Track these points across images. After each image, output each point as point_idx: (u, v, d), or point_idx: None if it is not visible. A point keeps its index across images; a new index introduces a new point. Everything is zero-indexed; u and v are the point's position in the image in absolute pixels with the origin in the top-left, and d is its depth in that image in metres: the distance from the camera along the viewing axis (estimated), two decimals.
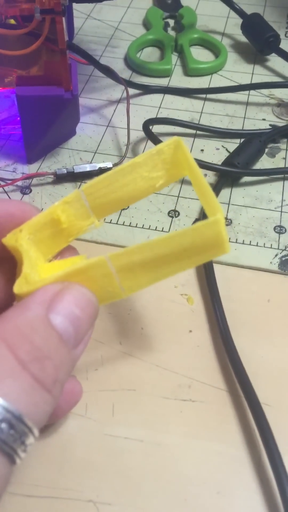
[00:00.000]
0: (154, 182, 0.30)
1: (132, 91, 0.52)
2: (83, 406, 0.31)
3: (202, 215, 0.41)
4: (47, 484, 0.28)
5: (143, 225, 0.41)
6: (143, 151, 0.46)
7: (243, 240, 0.40)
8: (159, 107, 0.51)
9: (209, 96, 0.52)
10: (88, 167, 0.43)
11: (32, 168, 0.45)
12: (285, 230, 0.40)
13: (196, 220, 0.41)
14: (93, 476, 0.29)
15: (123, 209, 0.42)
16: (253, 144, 0.45)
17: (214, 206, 0.25)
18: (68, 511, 0.28)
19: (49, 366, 0.22)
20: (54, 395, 0.22)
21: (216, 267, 0.38)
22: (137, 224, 0.41)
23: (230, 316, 0.35)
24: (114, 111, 0.51)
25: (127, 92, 0.48)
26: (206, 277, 0.37)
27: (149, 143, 0.47)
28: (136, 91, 0.52)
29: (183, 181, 0.44)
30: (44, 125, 0.43)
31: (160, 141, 0.43)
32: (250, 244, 0.39)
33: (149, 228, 0.41)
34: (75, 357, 0.24)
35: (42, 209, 0.42)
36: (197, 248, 0.25)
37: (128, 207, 0.42)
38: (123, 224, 0.41)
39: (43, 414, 0.21)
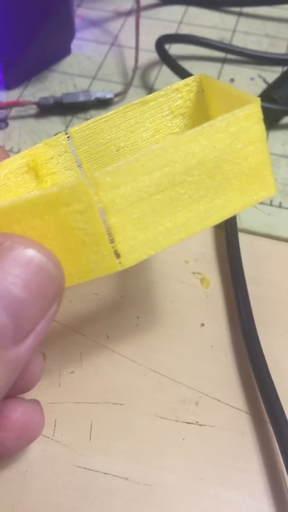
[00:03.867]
0: None
1: (146, 0, 0.41)
2: (50, 424, 0.23)
3: None
4: None
5: None
6: (155, 79, 0.36)
7: (280, 203, 0.30)
8: (180, 23, 0.40)
9: (245, 10, 0.41)
10: (81, 96, 0.33)
11: (11, 95, 0.35)
12: None
13: None
14: None
15: None
16: None
17: (243, 101, 0.17)
18: None
19: None
20: None
21: (242, 237, 0.28)
22: None
23: (257, 307, 0.26)
24: (122, 26, 0.40)
25: (138, 0, 0.37)
26: (228, 251, 0.27)
27: (164, 68, 0.36)
28: (151, 1, 0.41)
29: None
30: (25, 36, 0.33)
31: (179, 66, 0.33)
32: None
33: None
34: (16, 358, 0.15)
35: (12, 149, 0.33)
36: (226, 172, 0.16)
37: None
38: None
39: None
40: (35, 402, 0.21)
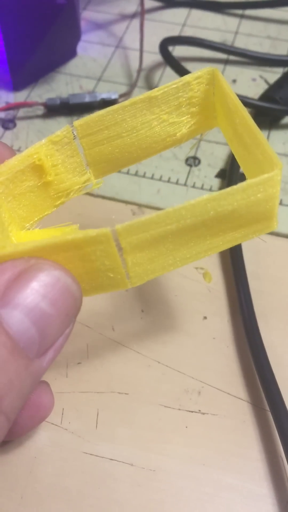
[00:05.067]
0: (175, 130, 0.22)
1: (150, 3, 0.42)
2: (58, 413, 0.24)
3: (230, 164, 0.32)
4: None
5: (152, 175, 0.32)
6: (159, 81, 0.37)
7: (281, 200, 0.31)
8: (183, 25, 0.41)
9: (247, 12, 0.42)
10: (87, 97, 0.34)
11: (18, 97, 0.36)
12: None
13: (222, 170, 0.32)
14: (64, 509, 0.22)
15: None
16: None
17: (268, 157, 0.18)
18: None
19: None
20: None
21: None
22: (145, 173, 0.32)
23: (258, 301, 0.27)
24: (127, 28, 0.41)
25: (143, 3, 0.38)
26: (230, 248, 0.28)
27: (168, 70, 0.37)
28: (156, 4, 0.42)
29: None
30: (33, 39, 0.34)
31: (182, 68, 0.34)
32: None
33: (160, 179, 0.32)
34: (39, 370, 0.17)
35: (20, 148, 0.34)
36: (238, 220, 0.18)
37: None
38: (127, 173, 0.32)
39: None
40: (45, 383, 0.22)
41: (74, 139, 0.21)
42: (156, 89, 0.21)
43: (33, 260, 0.17)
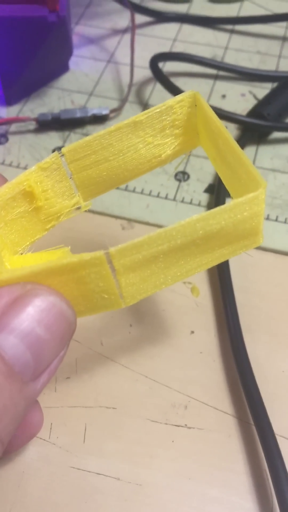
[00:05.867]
0: (160, 152, 0.23)
1: (141, 18, 0.42)
2: (47, 427, 0.24)
3: (218, 180, 0.32)
4: None
5: (142, 190, 0.32)
6: (150, 95, 0.38)
7: (268, 215, 0.31)
8: (174, 40, 0.41)
9: (237, 27, 0.42)
10: (78, 113, 0.35)
11: (11, 111, 0.37)
12: None
13: (210, 185, 0.33)
14: None
15: None
16: None
17: (253, 177, 0.18)
18: None
19: None
20: None
21: None
22: (135, 188, 0.33)
23: (244, 315, 0.27)
24: (119, 43, 0.41)
25: (133, 18, 0.39)
26: None
27: (158, 85, 0.38)
28: (147, 19, 0.43)
29: None
30: (25, 55, 0.34)
31: (172, 84, 0.34)
32: (276, 220, 0.31)
33: (149, 194, 0.32)
34: (33, 393, 0.17)
35: (11, 163, 0.34)
36: (225, 237, 0.18)
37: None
38: (117, 188, 0.32)
39: None
40: (35, 401, 0.22)
41: (62, 165, 0.22)
42: (140, 113, 0.21)
43: (29, 286, 0.17)
